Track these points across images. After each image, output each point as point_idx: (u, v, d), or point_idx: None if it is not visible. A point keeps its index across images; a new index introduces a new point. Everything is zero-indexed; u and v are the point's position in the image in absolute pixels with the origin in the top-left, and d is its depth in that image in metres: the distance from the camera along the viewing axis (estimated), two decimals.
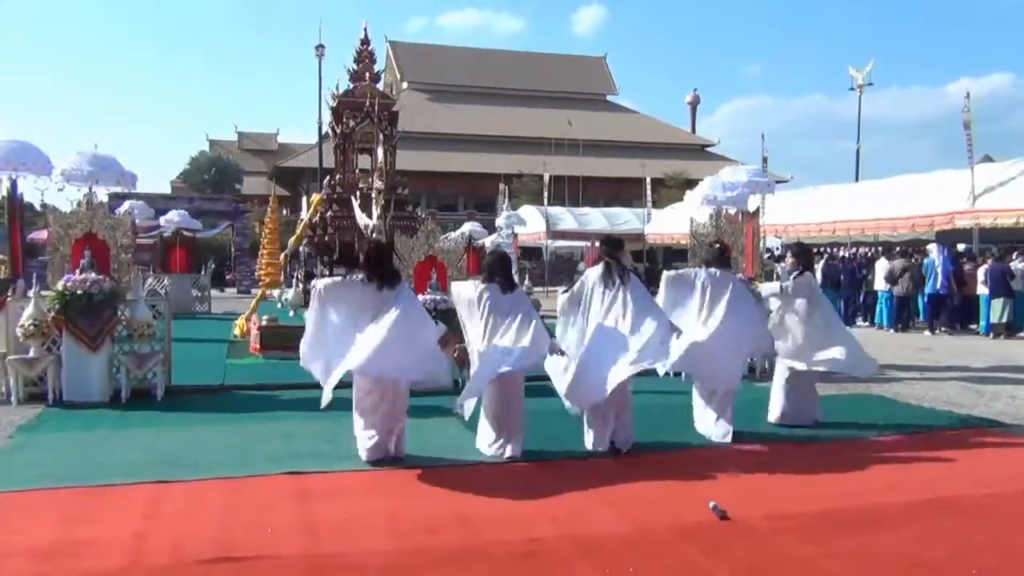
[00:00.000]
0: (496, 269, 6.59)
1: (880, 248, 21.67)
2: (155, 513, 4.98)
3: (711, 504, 5.05)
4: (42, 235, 25.04)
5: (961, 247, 20.89)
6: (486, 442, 6.46)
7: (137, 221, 14.73)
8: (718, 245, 7.91)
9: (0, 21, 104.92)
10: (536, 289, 21.03)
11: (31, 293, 8.70)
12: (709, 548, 4.49)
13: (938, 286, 17.46)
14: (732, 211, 11.61)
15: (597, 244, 6.88)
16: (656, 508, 5.24)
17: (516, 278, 7.29)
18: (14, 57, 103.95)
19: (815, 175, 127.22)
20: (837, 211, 22.60)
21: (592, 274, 6.76)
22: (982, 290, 17.05)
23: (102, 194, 9.60)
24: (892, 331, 17.71)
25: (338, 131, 14.36)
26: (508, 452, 6.32)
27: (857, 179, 36.53)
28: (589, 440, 6.60)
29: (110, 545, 4.42)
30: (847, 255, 22.74)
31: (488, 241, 24.86)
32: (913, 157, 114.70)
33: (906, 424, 7.81)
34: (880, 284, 18.54)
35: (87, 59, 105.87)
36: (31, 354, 8.53)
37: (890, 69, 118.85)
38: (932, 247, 18.40)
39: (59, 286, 8.50)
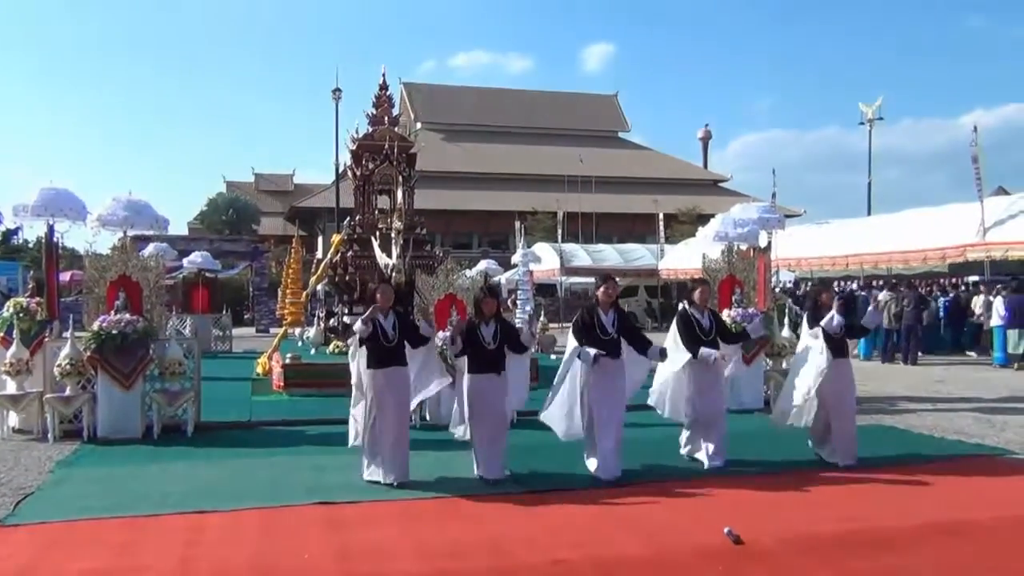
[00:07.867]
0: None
1: (873, 281, 22.09)
2: (197, 541, 5.24)
3: (725, 529, 5.24)
4: (64, 277, 25.51)
5: (974, 279, 21.25)
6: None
7: None
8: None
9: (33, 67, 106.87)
10: (552, 325, 21.25)
11: (67, 334, 9.02)
12: (730, 569, 4.71)
13: None
14: (744, 247, 11.88)
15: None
16: (673, 532, 5.46)
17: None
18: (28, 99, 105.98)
19: (830, 208, 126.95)
20: (850, 245, 22.78)
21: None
22: (996, 321, 17.26)
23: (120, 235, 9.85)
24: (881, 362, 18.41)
25: (358, 173, 14.75)
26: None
27: (869, 212, 36.72)
28: (593, 466, 6.95)
29: (160, 570, 4.69)
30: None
31: (503, 278, 25.22)
32: (929, 189, 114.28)
33: (917, 453, 8.00)
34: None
35: (105, 101, 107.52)
36: (67, 392, 8.84)
37: (905, 101, 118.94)
38: None
39: (95, 326, 8.82)
